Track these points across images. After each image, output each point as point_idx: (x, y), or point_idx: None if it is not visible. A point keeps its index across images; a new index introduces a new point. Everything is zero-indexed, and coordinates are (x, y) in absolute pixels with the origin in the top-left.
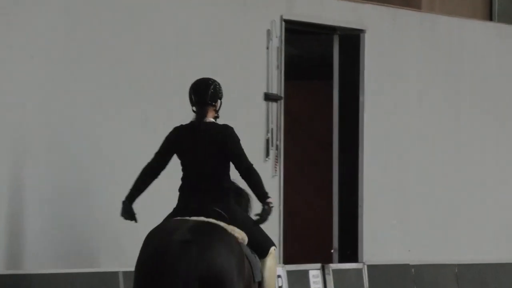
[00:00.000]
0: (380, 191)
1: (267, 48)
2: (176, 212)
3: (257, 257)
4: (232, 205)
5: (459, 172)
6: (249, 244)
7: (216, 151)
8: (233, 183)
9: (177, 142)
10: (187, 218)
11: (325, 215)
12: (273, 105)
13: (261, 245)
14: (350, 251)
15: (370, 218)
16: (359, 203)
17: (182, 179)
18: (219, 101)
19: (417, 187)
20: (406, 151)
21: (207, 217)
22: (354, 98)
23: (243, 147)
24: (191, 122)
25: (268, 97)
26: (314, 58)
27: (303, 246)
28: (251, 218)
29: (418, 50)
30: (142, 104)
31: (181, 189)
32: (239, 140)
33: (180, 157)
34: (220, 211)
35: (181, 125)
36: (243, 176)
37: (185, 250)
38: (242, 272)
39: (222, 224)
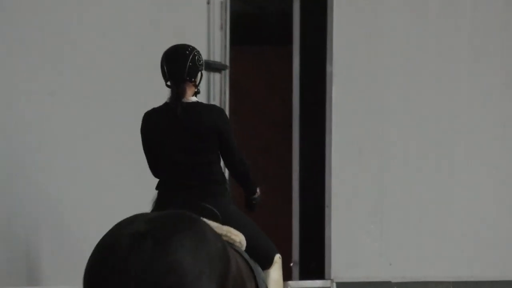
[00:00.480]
0: (353, 187)
1: (208, 3)
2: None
3: (259, 268)
4: (226, 202)
5: (454, 157)
6: (248, 251)
7: (203, 138)
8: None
9: (151, 130)
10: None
11: (282, 218)
12: (215, 76)
13: (264, 252)
14: (315, 265)
15: (340, 222)
16: (326, 203)
17: (160, 175)
18: (199, 73)
19: (400, 182)
20: (386, 135)
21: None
22: (320, 69)
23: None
24: (166, 104)
25: (209, 66)
26: (268, 17)
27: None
28: (250, 220)
29: (403, 6)
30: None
31: (159, 187)
32: (229, 126)
33: (155, 149)
34: (211, 207)
35: (153, 109)
36: (232, 170)
37: (137, 245)
38: (218, 274)
39: (210, 222)
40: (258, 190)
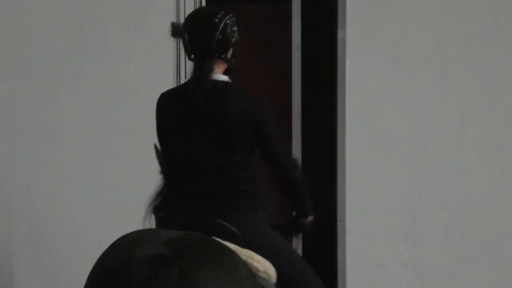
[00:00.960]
0: (375, 194)
1: None
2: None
3: None
4: (255, 220)
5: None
6: (281, 283)
7: (229, 130)
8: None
9: (163, 117)
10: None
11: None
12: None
13: (303, 286)
14: None
15: (357, 242)
16: (338, 217)
17: (169, 174)
18: (231, 49)
19: (441, 188)
20: (418, 124)
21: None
22: (329, 34)
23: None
24: (185, 84)
25: (178, 32)
26: None
27: None
28: (290, 247)
29: None
30: None
31: (166, 190)
32: (273, 119)
33: (166, 139)
34: (228, 225)
35: (170, 89)
36: (278, 176)
37: (159, 272)
38: None
39: (227, 244)
40: (310, 216)
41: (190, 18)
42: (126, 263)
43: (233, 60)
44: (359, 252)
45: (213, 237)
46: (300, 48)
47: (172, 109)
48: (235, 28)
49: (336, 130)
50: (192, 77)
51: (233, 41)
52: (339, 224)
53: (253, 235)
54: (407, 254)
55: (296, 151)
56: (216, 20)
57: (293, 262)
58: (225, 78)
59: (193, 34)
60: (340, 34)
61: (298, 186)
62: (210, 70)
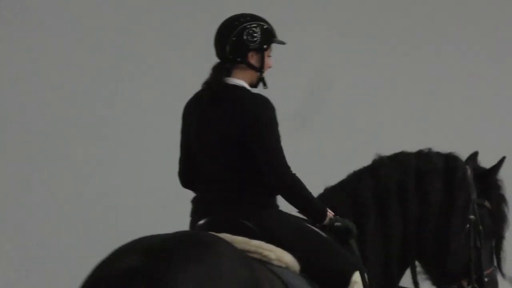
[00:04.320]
0: None
1: None
2: None
3: None
4: (273, 213)
5: None
6: (312, 272)
7: (236, 136)
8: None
9: (183, 123)
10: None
11: None
12: None
13: (335, 272)
14: None
15: None
16: None
17: (188, 175)
18: (249, 53)
19: None
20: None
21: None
22: None
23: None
24: (202, 89)
25: None
26: None
27: None
28: (316, 234)
29: None
30: None
31: (193, 198)
32: (274, 123)
33: (182, 146)
34: (246, 223)
35: (193, 95)
36: (275, 185)
37: (126, 285)
38: None
39: (234, 237)
40: (328, 214)
41: (220, 24)
42: (103, 277)
43: (262, 70)
44: None
45: (210, 236)
46: None
47: (192, 114)
48: (256, 35)
49: None
50: (205, 80)
51: (251, 47)
52: None
53: (275, 226)
54: None
55: None
56: (236, 23)
57: (319, 247)
58: (240, 82)
59: (216, 38)
60: None
61: (293, 194)
62: (223, 73)
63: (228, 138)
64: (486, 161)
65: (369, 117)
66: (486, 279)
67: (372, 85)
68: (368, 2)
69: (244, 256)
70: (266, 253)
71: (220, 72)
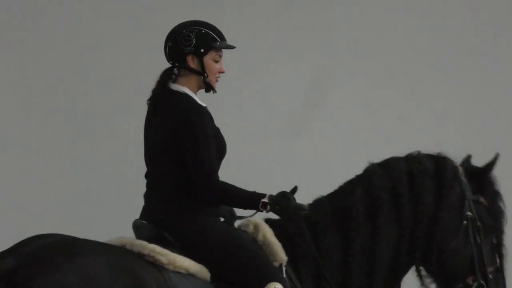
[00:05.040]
0: None
1: None
2: None
3: None
4: (189, 221)
5: None
6: (223, 281)
7: (167, 140)
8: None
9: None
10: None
11: None
12: None
13: (246, 283)
14: None
15: None
16: None
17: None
18: (188, 57)
19: None
20: None
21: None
22: None
23: (205, 136)
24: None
25: None
26: None
27: None
28: (232, 241)
29: None
30: None
31: None
32: (201, 130)
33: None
34: (166, 235)
35: None
36: (201, 194)
37: None
38: None
39: (128, 240)
40: (266, 199)
41: None
42: None
43: (205, 74)
44: None
45: (82, 240)
46: None
47: (146, 120)
48: (190, 39)
49: None
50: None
51: (186, 50)
52: None
53: (183, 236)
54: None
55: None
56: (175, 29)
57: (233, 261)
58: (182, 88)
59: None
60: None
61: (218, 200)
62: (168, 79)
63: (163, 145)
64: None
65: (367, 117)
66: (490, 276)
67: (370, 87)
68: None
69: (120, 265)
70: (158, 257)
71: (164, 78)
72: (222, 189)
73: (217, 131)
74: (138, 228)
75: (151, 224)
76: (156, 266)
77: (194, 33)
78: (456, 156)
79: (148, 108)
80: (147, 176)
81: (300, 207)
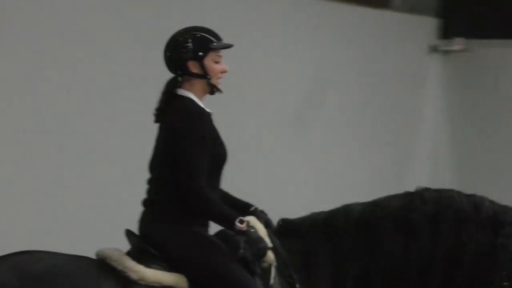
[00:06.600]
0: None
1: None
2: None
3: None
4: (173, 232)
5: None
6: None
7: (165, 141)
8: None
9: None
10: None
11: None
12: None
13: None
14: None
15: None
16: None
17: None
18: (188, 64)
19: None
20: None
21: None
22: None
23: (194, 147)
24: None
25: None
26: None
27: None
28: (210, 254)
29: None
30: None
31: None
32: (190, 136)
33: None
34: (150, 249)
35: None
36: (186, 202)
37: None
38: None
39: (113, 255)
40: (237, 223)
41: None
42: None
43: (208, 76)
44: None
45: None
46: None
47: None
48: (187, 45)
49: None
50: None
51: (185, 57)
52: None
53: (164, 248)
54: None
55: None
56: (170, 39)
57: (211, 274)
58: (186, 93)
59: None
60: None
61: (200, 210)
62: (174, 85)
63: (162, 146)
64: None
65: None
66: None
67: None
68: None
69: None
70: (129, 273)
71: (170, 85)
72: (204, 197)
73: (217, 137)
74: (128, 237)
75: (140, 233)
76: (129, 282)
77: (190, 39)
78: None
79: (155, 116)
80: (148, 182)
81: (263, 251)
